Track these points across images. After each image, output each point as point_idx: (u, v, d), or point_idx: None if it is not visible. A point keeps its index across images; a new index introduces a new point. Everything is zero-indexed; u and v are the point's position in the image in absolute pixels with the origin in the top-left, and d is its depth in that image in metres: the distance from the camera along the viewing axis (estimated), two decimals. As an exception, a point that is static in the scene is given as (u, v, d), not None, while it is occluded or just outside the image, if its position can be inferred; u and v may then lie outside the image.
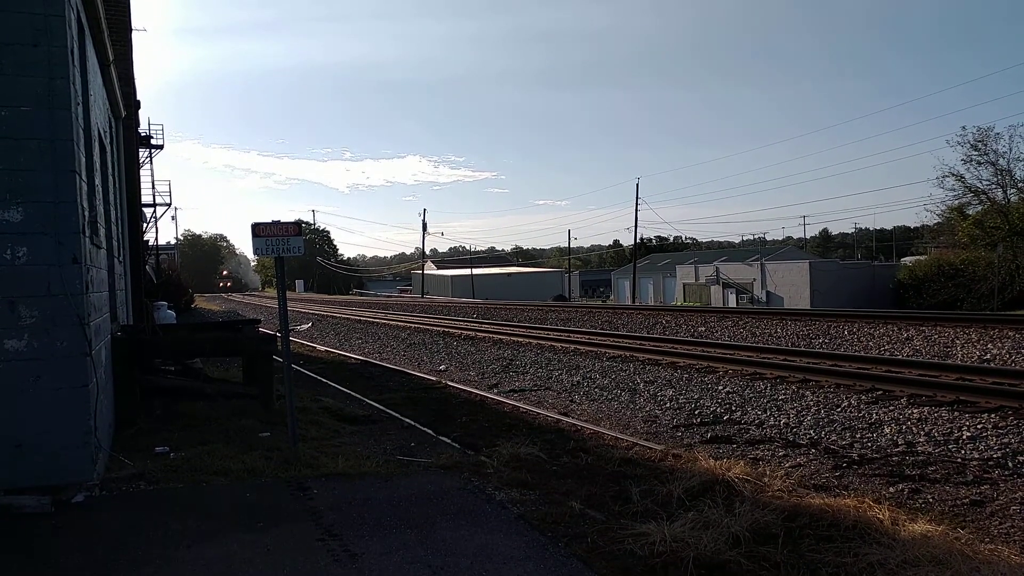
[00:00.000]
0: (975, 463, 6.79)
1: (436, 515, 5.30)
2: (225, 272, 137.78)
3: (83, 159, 6.56)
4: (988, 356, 13.20)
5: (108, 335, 8.22)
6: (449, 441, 8.21)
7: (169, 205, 44.21)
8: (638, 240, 69.85)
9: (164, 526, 5.10)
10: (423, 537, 4.86)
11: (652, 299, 69.91)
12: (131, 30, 17.01)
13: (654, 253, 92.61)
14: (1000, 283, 41.29)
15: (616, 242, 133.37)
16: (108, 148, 10.76)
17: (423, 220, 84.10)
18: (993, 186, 47.34)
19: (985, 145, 46.40)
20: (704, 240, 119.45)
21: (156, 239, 42.94)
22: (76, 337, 5.88)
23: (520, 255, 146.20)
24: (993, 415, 8.30)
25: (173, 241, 79.70)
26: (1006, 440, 7.38)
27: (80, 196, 6.08)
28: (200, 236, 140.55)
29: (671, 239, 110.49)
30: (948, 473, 6.54)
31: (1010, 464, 6.69)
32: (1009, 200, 46.71)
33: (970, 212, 48.92)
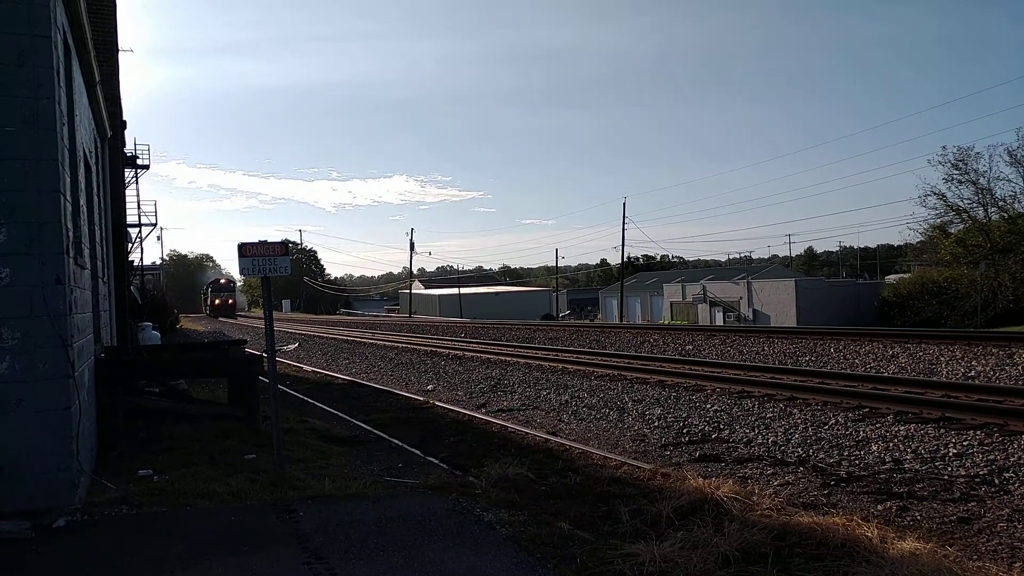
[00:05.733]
0: (962, 480, 6.81)
1: (424, 537, 5.25)
2: (223, 281, 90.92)
3: (68, 179, 6.53)
4: (973, 373, 13.30)
5: (91, 356, 8.14)
6: (437, 462, 8.16)
7: (154, 225, 43.75)
8: (625, 259, 70.14)
9: (147, 551, 5.03)
10: (411, 559, 4.80)
11: (640, 317, 70.04)
12: (118, 50, 17.04)
13: (641, 272, 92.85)
14: (983, 300, 41.79)
15: (603, 261, 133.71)
16: (93, 168, 10.71)
17: (410, 239, 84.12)
18: (974, 205, 48.14)
19: (965, 164, 47.24)
20: (691, 259, 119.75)
21: (141, 259, 42.61)
22: (59, 359, 5.81)
23: (508, 274, 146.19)
24: (979, 432, 8.34)
25: (158, 261, 79.30)
26: (992, 457, 7.42)
27: (64, 216, 6.04)
28: (186, 256, 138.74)
29: (658, 258, 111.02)
30: (935, 490, 6.56)
31: (996, 481, 6.73)
32: (990, 218, 47.41)
33: (952, 230, 49.62)
